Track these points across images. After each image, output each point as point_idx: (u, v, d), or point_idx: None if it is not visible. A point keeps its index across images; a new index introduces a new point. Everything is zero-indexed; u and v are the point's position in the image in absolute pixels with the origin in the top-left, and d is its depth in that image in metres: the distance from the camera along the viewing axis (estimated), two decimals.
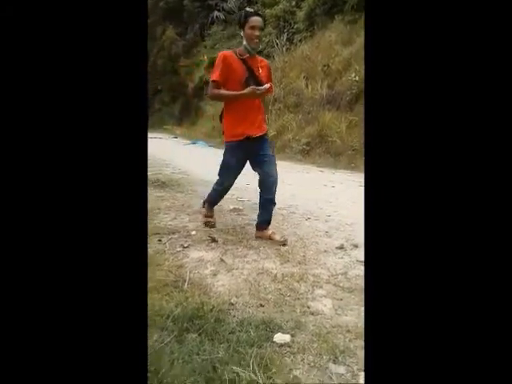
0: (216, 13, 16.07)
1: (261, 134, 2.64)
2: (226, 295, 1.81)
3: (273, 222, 2.74)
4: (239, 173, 2.74)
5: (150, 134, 14.10)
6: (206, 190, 2.91)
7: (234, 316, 1.61)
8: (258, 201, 2.74)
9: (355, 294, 1.84)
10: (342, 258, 2.37)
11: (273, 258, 2.33)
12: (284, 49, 10.99)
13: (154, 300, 1.68)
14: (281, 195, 4.27)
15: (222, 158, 2.73)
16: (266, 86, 2.46)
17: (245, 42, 2.54)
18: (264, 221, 2.70)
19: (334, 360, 1.33)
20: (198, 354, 1.31)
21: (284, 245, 2.53)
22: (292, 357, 1.35)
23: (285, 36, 11.25)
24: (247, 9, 2.64)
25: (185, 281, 1.94)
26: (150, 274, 1.97)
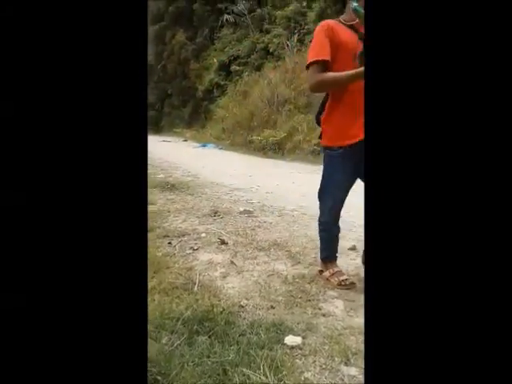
0: (226, 16, 16.14)
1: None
2: (236, 297, 1.80)
3: (283, 223, 2.72)
4: (351, 187, 1.98)
5: (159, 138, 14.32)
6: (215, 193, 2.89)
7: (245, 318, 1.60)
8: (267, 203, 2.71)
9: None
10: (353, 259, 2.34)
11: (283, 259, 2.31)
12: (295, 50, 10.96)
13: (164, 303, 1.68)
14: (292, 196, 4.30)
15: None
16: None
17: (355, 3, 1.73)
18: None
19: (345, 362, 1.31)
20: (208, 357, 1.30)
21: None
22: (303, 359, 1.33)
23: (295, 37, 11.21)
24: None
25: (195, 283, 1.94)
26: (159, 277, 1.99)
